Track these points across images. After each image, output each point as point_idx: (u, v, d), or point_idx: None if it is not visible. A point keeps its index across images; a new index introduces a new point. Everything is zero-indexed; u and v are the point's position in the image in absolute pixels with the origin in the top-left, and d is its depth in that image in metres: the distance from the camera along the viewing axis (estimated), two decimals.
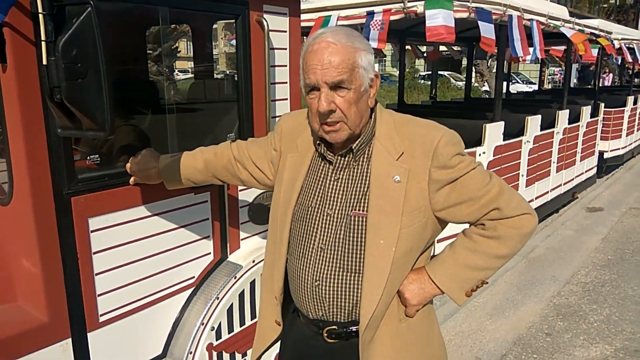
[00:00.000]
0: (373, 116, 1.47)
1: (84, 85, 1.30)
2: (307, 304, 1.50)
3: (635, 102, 10.07)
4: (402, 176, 1.40)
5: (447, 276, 1.49)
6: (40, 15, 1.26)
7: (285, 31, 2.45)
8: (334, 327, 1.50)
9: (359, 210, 1.42)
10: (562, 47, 7.47)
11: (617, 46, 7.83)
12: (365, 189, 1.43)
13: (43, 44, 1.27)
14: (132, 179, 1.89)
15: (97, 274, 1.88)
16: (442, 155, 1.39)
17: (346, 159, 1.47)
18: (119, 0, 1.85)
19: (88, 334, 1.89)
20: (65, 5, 1.29)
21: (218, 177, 1.79)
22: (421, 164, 1.40)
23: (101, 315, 1.92)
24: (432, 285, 1.49)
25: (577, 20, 6.23)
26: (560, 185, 7.07)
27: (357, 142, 1.44)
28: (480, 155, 4.89)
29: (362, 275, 1.42)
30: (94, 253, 1.86)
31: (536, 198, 6.34)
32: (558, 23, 5.47)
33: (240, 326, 2.33)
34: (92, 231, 1.84)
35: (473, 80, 14.41)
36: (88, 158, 1.93)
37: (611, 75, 19.81)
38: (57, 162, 1.70)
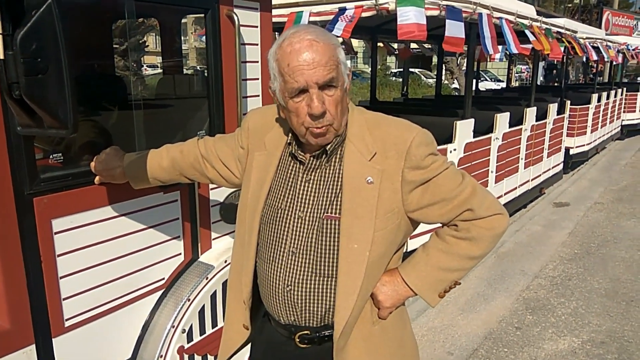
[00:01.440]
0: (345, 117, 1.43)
1: (45, 81, 1.23)
2: (279, 309, 1.46)
3: (599, 100, 10.36)
4: (375, 177, 1.36)
5: (420, 278, 1.46)
6: None
7: (257, 26, 2.41)
8: (306, 332, 1.46)
9: (331, 213, 1.38)
10: (530, 45, 7.60)
11: (582, 44, 8.02)
12: (338, 191, 1.39)
13: (0, 37, 1.20)
14: (97, 179, 1.83)
15: (61, 277, 1.81)
16: (415, 155, 1.36)
17: (319, 160, 1.42)
18: None
19: (53, 340, 1.82)
20: None
21: (185, 175, 1.73)
22: (394, 165, 1.37)
23: (67, 320, 1.85)
24: (406, 288, 1.46)
25: (544, 19, 6.36)
26: (528, 181, 7.22)
27: (331, 143, 1.39)
28: (451, 152, 4.94)
29: (336, 281, 1.39)
30: (59, 255, 1.79)
31: (505, 194, 6.45)
32: (526, 22, 5.57)
33: (213, 328, 2.29)
34: (55, 233, 1.77)
35: (443, 77, 14.58)
36: (51, 157, 1.85)
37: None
38: (18, 161, 1.63)
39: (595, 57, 8.66)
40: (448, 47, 4.06)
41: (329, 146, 1.39)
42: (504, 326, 3.99)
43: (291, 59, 1.28)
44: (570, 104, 8.78)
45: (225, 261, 2.27)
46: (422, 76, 25.26)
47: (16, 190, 1.64)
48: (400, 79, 17.39)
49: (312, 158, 1.42)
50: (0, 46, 1.21)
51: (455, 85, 19.39)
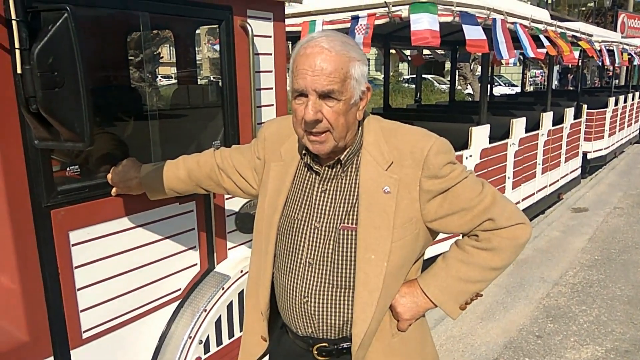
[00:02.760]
0: (360, 126, 1.42)
1: (61, 95, 1.24)
2: (296, 321, 1.45)
3: (616, 103, 10.22)
4: (392, 187, 1.34)
5: (440, 289, 1.44)
6: (14, 22, 1.20)
7: (270, 36, 2.41)
8: (324, 344, 1.44)
9: (348, 223, 1.37)
10: (544, 50, 7.53)
11: (597, 48, 7.92)
12: (354, 201, 1.37)
13: (17, 51, 1.21)
14: (113, 190, 1.83)
15: (79, 289, 1.81)
16: (433, 164, 1.34)
17: (334, 170, 1.41)
18: (96, 7, 1.79)
19: (71, 352, 1.82)
20: (41, 11, 1.23)
21: (202, 186, 1.73)
22: (411, 174, 1.35)
23: (84, 332, 1.85)
24: (425, 299, 1.44)
25: (559, 23, 6.29)
26: (545, 187, 7.12)
27: (345, 153, 1.38)
28: (467, 158, 4.89)
29: (353, 292, 1.36)
30: (76, 267, 1.80)
31: (522, 200, 6.37)
32: (540, 26, 5.52)
33: (229, 338, 2.28)
34: (73, 245, 1.77)
35: (456, 83, 14.50)
36: (68, 169, 1.87)
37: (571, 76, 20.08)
38: (35, 173, 1.64)
39: (608, 62, 8.55)
40: (473, 49, 4.04)
41: (342, 156, 1.38)
42: (525, 335, 3.92)
43: (300, 62, 1.29)
44: (587, 108, 8.67)
45: (241, 271, 2.26)
46: (435, 82, 25.18)
47: (34, 202, 1.65)
48: (413, 86, 17.34)
49: (327, 168, 1.41)
50: (18, 61, 1.22)
51: (469, 90, 19.27)
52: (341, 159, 1.38)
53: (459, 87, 19.05)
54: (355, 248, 1.35)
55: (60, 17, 1.22)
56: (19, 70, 1.23)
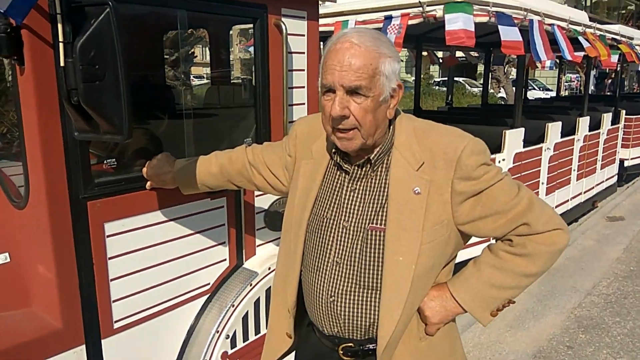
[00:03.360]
0: (392, 125, 1.40)
1: (102, 88, 1.27)
2: (322, 319, 1.44)
3: None
4: (423, 188, 1.32)
5: (470, 295, 1.40)
6: (58, 16, 1.24)
7: (304, 35, 2.42)
8: (350, 344, 1.43)
9: (376, 224, 1.35)
10: (581, 53, 7.34)
11: (638, 52, 7.68)
12: (384, 202, 1.35)
13: (61, 45, 1.25)
14: (148, 184, 1.87)
15: (112, 280, 1.86)
16: (466, 165, 1.31)
17: (363, 169, 1.39)
18: (137, 3, 1.82)
19: (102, 341, 1.86)
20: (84, 6, 1.26)
21: (233, 182, 1.75)
22: (443, 175, 1.32)
23: (116, 322, 1.89)
24: (455, 304, 1.41)
25: (598, 26, 6.12)
26: (580, 194, 6.93)
27: (375, 152, 1.36)
28: (499, 162, 4.80)
29: (380, 293, 1.35)
30: (110, 258, 1.84)
31: (556, 207, 6.22)
32: (579, 28, 5.38)
33: (256, 334, 2.29)
34: (107, 236, 1.82)
35: (489, 86, 14.27)
36: (105, 162, 1.91)
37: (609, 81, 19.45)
38: (74, 166, 1.68)
39: None
40: (508, 51, 3.97)
41: (372, 155, 1.36)
42: (555, 345, 3.82)
43: (330, 57, 1.28)
44: (625, 114, 8.40)
45: (269, 268, 2.28)
46: (467, 85, 24.81)
47: (71, 193, 1.70)
48: (444, 88, 17.13)
49: (356, 167, 1.39)
50: (62, 54, 1.26)
51: (502, 94, 18.92)
52: (371, 158, 1.36)
53: (492, 91, 18.73)
54: (383, 249, 1.33)
55: (102, 12, 1.24)
56: (61, 64, 1.26)
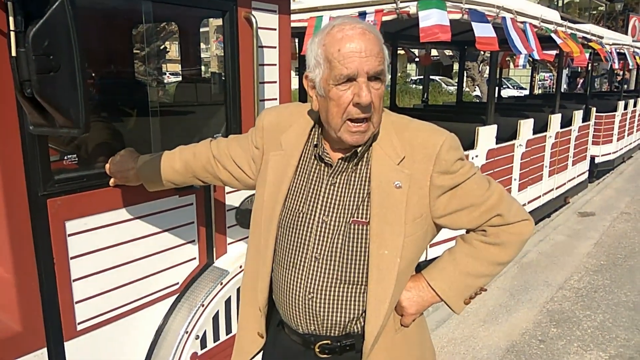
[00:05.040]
0: None
1: (57, 79, 1.20)
2: (298, 318, 1.40)
3: (625, 107, 10.11)
4: (404, 182, 1.31)
5: (447, 284, 1.43)
6: (9, 3, 1.17)
7: (275, 29, 2.38)
8: (327, 341, 1.40)
9: (359, 217, 1.33)
10: (554, 52, 7.45)
11: (608, 50, 7.84)
12: (365, 195, 1.33)
13: (12, 34, 1.18)
14: (111, 181, 1.81)
15: (74, 280, 1.79)
16: (445, 160, 1.32)
17: (349, 163, 1.36)
18: None
19: (65, 344, 1.79)
20: None
21: (198, 177, 1.69)
22: (422, 169, 1.32)
23: (79, 324, 1.83)
24: (432, 293, 1.42)
25: (570, 24, 6.22)
26: (552, 190, 7.05)
27: (362, 145, 1.34)
28: (473, 158, 4.84)
29: (362, 287, 1.34)
30: (72, 258, 1.77)
31: (528, 202, 6.31)
32: (550, 27, 5.45)
33: (227, 335, 2.25)
34: (69, 235, 1.75)
35: (464, 84, 14.42)
36: (65, 158, 1.84)
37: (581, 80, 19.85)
38: (32, 161, 1.61)
39: (617, 65, 8.46)
40: (482, 47, 3.99)
41: (360, 148, 1.33)
42: (527, 339, 3.87)
43: (342, 45, 1.23)
44: (596, 112, 8.58)
45: (241, 266, 2.23)
46: (443, 83, 25.08)
47: (30, 191, 1.63)
48: (420, 87, 17.28)
49: (340, 161, 1.36)
50: (13, 43, 1.19)
51: (477, 92, 19.17)
52: (358, 151, 1.34)
53: (467, 89, 18.96)
54: (367, 243, 1.32)
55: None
56: (13, 53, 1.19)
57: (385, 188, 1.32)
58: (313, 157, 1.41)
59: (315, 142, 1.40)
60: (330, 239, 1.34)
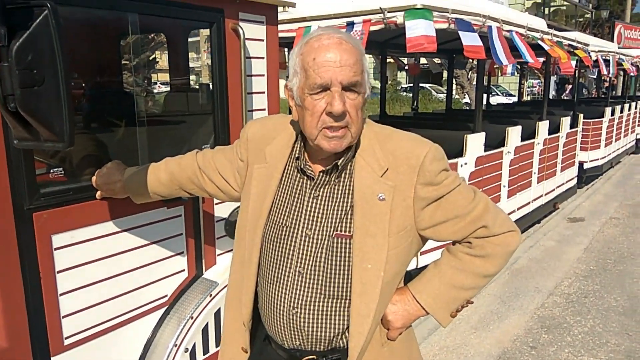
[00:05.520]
0: None
1: (41, 93, 1.20)
2: (283, 333, 1.39)
3: (612, 113, 10.23)
4: (387, 194, 1.30)
5: (432, 297, 1.41)
6: None
7: (263, 40, 2.39)
8: (312, 356, 1.39)
9: (342, 231, 1.32)
10: (541, 59, 7.54)
11: (594, 58, 7.94)
12: (349, 208, 1.32)
13: None
14: (98, 193, 1.80)
15: (61, 294, 1.77)
16: (429, 171, 1.31)
17: (329, 176, 1.35)
18: (80, 5, 1.75)
19: (52, 359, 1.77)
20: (20, 7, 1.19)
21: (185, 189, 1.68)
22: (406, 181, 1.31)
23: (66, 338, 1.81)
24: (417, 307, 1.41)
25: (555, 32, 6.30)
26: (541, 196, 7.10)
27: (342, 157, 1.33)
28: (462, 166, 4.87)
29: (347, 302, 1.32)
30: (58, 272, 1.76)
31: (518, 209, 6.34)
32: (537, 35, 5.52)
33: (217, 347, 2.23)
34: (55, 249, 1.73)
35: (454, 92, 14.52)
36: (52, 171, 1.83)
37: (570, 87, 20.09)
38: (17, 175, 1.60)
39: (605, 71, 8.56)
40: (470, 55, 4.03)
41: (340, 161, 1.33)
42: (519, 345, 3.87)
43: (318, 54, 1.23)
44: (584, 118, 8.67)
45: None
46: (433, 91, 25.23)
47: (15, 204, 1.61)
48: (411, 94, 17.34)
49: (322, 174, 1.35)
50: None
51: (467, 100, 19.27)
52: (338, 164, 1.33)
53: (457, 97, 19.08)
54: (350, 257, 1.31)
55: (41, 13, 1.18)
56: None
57: (369, 201, 1.30)
58: (296, 169, 1.40)
59: (297, 155, 1.39)
60: (313, 253, 1.33)
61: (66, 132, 1.24)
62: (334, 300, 1.33)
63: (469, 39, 3.94)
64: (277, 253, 1.37)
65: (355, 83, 1.24)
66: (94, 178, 1.77)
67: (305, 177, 1.38)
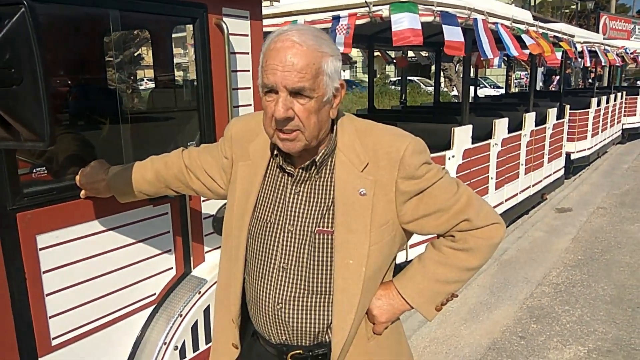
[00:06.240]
0: (335, 125, 1.37)
1: (19, 93, 1.19)
2: (269, 328, 1.39)
3: (598, 104, 10.33)
4: (368, 189, 1.30)
5: (416, 291, 1.41)
6: None
7: (247, 35, 2.38)
8: (298, 351, 1.39)
9: (323, 227, 1.32)
10: (527, 51, 7.58)
11: (579, 49, 8.00)
12: (330, 204, 1.32)
13: None
14: (82, 193, 1.78)
15: (47, 295, 1.76)
16: (409, 165, 1.30)
17: (308, 172, 1.35)
18: (59, 3, 1.73)
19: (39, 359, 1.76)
20: None
21: (171, 187, 1.67)
22: (387, 175, 1.31)
23: (54, 339, 1.79)
24: (402, 301, 1.41)
25: (541, 24, 6.33)
26: (529, 187, 7.16)
27: (320, 154, 1.33)
28: (449, 158, 4.89)
29: (332, 298, 1.33)
30: (44, 272, 1.74)
31: (506, 200, 6.39)
32: (522, 27, 5.54)
33: (206, 344, 2.23)
34: (40, 249, 1.72)
35: (442, 85, 14.56)
36: (35, 170, 1.81)
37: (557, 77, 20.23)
38: (0, 175, 1.58)
39: (588, 63, 8.63)
40: (450, 51, 4.03)
41: (317, 157, 1.33)
42: (508, 335, 3.92)
43: (270, 56, 1.22)
44: (570, 109, 8.74)
45: None
46: (421, 84, 25.29)
47: None
48: (400, 88, 17.39)
49: (300, 170, 1.35)
50: None
51: (455, 92, 19.37)
52: (316, 160, 1.33)
53: (445, 89, 19.15)
54: (332, 252, 1.31)
55: (17, 12, 1.16)
56: None
57: (350, 196, 1.30)
58: (278, 166, 1.40)
59: (276, 152, 1.38)
60: (296, 249, 1.33)
61: (46, 132, 1.22)
62: (318, 296, 1.34)
63: (452, 34, 3.95)
64: (262, 249, 1.38)
65: (302, 88, 1.20)
66: (77, 177, 1.75)
67: (287, 174, 1.38)
